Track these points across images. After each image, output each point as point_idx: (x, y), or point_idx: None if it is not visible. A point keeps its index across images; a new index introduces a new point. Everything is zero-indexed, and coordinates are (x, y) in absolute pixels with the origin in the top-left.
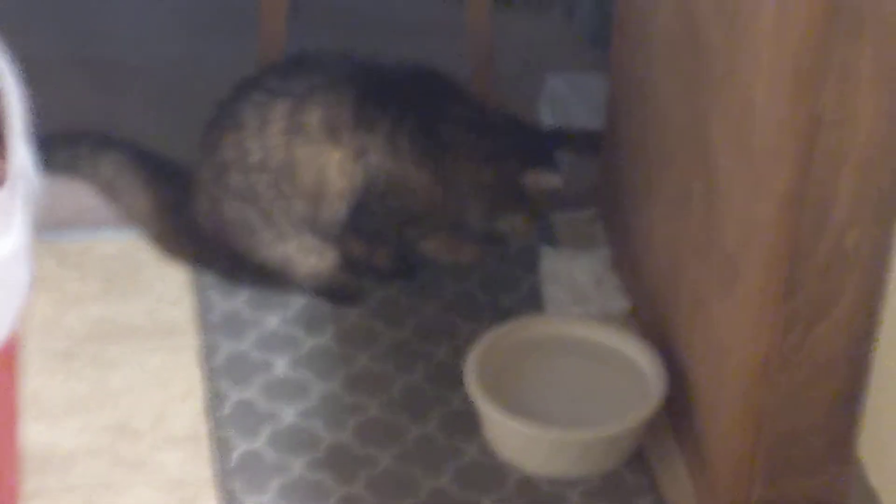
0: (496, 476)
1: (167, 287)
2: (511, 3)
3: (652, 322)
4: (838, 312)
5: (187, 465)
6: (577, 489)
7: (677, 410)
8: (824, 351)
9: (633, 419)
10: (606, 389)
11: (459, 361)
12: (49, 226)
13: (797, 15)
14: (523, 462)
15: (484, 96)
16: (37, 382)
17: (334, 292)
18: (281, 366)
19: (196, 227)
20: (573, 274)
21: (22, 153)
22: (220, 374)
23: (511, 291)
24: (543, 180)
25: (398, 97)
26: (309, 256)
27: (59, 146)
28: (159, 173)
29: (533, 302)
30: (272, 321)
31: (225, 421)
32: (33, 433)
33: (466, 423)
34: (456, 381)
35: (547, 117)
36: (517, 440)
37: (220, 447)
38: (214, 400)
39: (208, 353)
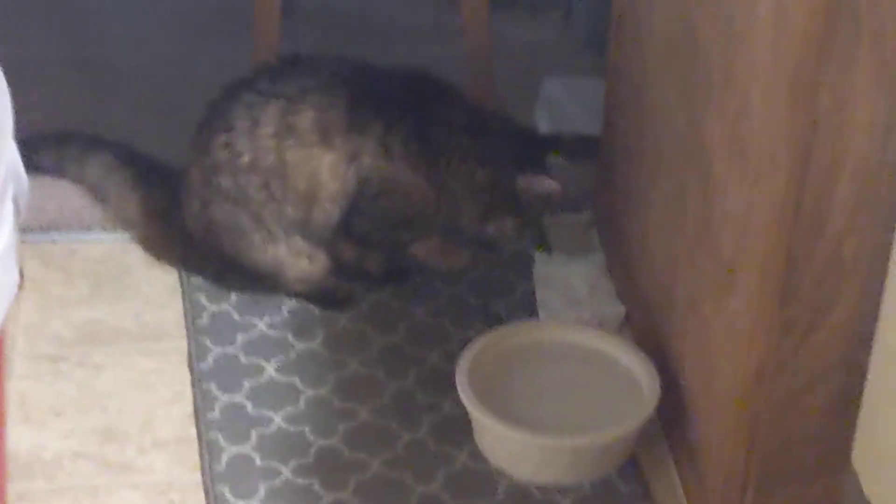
0: (487, 483)
1: (155, 290)
2: (509, 5)
3: (646, 328)
4: (834, 320)
5: (175, 469)
6: (569, 497)
7: (671, 418)
8: (820, 359)
9: (626, 426)
10: (599, 396)
11: (451, 367)
12: (35, 227)
13: (795, 21)
14: (514, 469)
15: (480, 99)
16: (23, 385)
17: (325, 296)
18: (270, 370)
19: (185, 230)
20: (567, 279)
21: (10, 153)
22: (208, 377)
23: (503, 296)
24: (538, 184)
25: (391, 100)
26: (299, 260)
27: (46, 147)
28: (148, 175)
29: (525, 307)
30: (261, 325)
31: (213, 425)
32: (19, 436)
33: (457, 429)
34: (447, 386)
35: (543, 120)
36: (508, 447)
37: (209, 451)
38: (203, 404)
39: (197, 357)
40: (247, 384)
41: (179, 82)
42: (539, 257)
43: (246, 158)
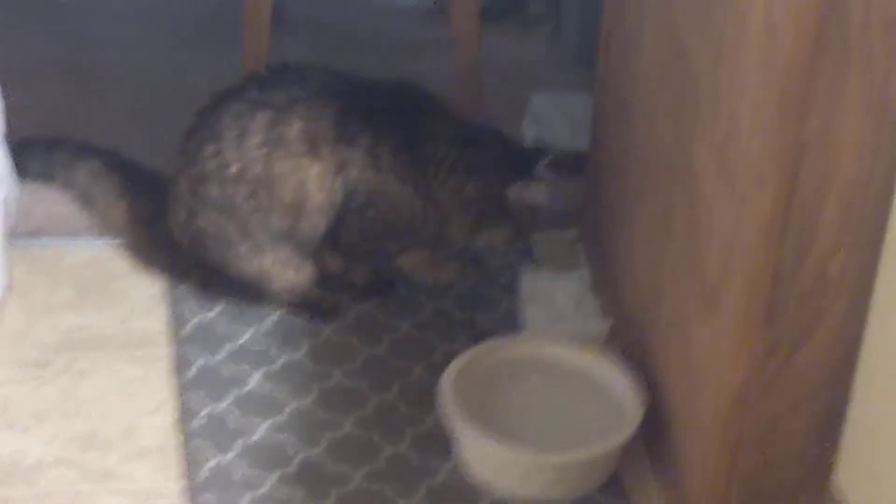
0: (468, 498)
1: (140, 297)
2: (499, 20)
3: (631, 344)
4: (819, 341)
5: (157, 478)
6: None
7: (654, 435)
8: (804, 380)
9: (610, 443)
10: (583, 412)
11: (435, 380)
12: (22, 232)
13: (784, 42)
14: (496, 484)
15: (469, 113)
16: (6, 390)
17: (310, 307)
18: (254, 380)
19: (171, 238)
20: (553, 294)
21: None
22: (192, 386)
23: (489, 311)
24: (527, 195)
25: (379, 111)
26: (285, 270)
27: (35, 152)
28: (136, 182)
29: (510, 322)
30: (246, 335)
31: (196, 434)
32: (1, 441)
33: (440, 443)
34: (431, 400)
35: (530, 135)
36: (491, 461)
37: (191, 460)
38: (186, 413)
39: (180, 366)
40: (231, 394)
41: (169, 90)
42: (525, 272)
43: (233, 168)
